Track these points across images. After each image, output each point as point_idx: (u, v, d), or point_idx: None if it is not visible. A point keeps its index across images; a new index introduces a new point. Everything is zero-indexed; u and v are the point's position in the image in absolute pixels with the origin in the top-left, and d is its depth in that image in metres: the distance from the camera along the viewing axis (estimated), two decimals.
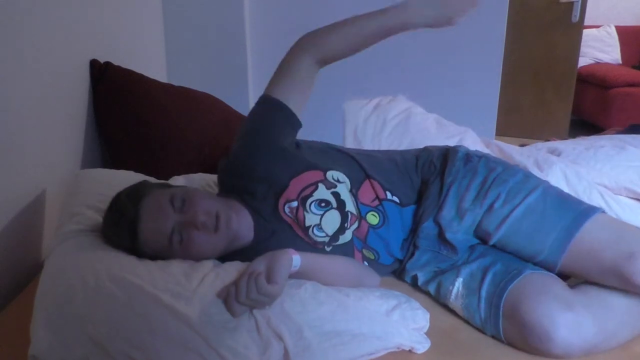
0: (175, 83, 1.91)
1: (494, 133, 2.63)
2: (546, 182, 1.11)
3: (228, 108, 1.88)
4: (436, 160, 1.17)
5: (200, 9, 2.40)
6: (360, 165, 1.13)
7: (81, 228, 1.03)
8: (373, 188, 1.11)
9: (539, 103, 3.98)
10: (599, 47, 4.46)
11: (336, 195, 1.06)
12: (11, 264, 1.20)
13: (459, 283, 1.03)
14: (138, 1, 2.12)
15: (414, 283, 1.13)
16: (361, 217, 1.08)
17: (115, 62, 1.70)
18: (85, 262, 0.91)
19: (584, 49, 4.13)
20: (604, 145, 1.45)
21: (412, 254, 1.11)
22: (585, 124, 4.24)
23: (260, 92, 1.18)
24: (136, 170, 1.36)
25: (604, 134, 1.91)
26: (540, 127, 3.95)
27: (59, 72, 1.45)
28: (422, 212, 1.11)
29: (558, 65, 3.86)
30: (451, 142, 1.48)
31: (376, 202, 1.10)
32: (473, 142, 1.52)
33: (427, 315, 0.98)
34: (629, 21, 4.66)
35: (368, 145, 1.56)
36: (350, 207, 1.07)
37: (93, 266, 0.89)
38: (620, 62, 4.47)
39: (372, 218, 1.09)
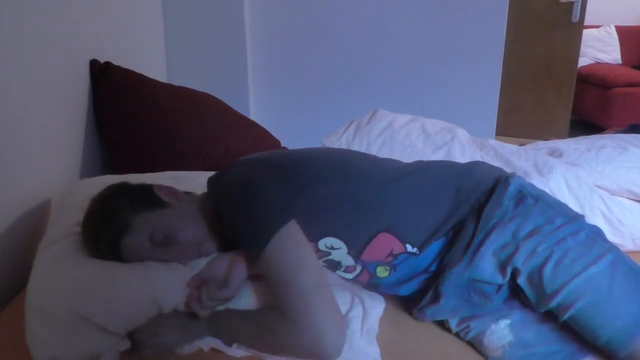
0: (175, 83, 1.91)
1: (494, 133, 2.63)
2: (615, 249, 0.90)
3: (228, 108, 1.88)
4: (482, 196, 0.95)
5: (200, 9, 2.40)
6: (379, 211, 0.94)
7: (69, 230, 1.02)
8: (387, 242, 0.94)
9: (539, 103, 3.98)
10: (599, 47, 4.46)
11: (328, 261, 0.97)
12: (12, 265, 1.20)
13: (504, 324, 0.92)
14: (138, 1, 2.11)
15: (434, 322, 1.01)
16: (365, 269, 0.98)
17: (115, 62, 1.70)
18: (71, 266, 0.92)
19: (584, 49, 4.12)
20: (606, 145, 1.45)
21: (435, 300, 0.96)
22: (585, 124, 4.24)
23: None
24: (136, 171, 1.36)
25: (604, 134, 1.91)
26: (540, 127, 3.95)
27: (59, 72, 1.44)
28: (451, 256, 0.94)
29: (558, 65, 3.85)
30: (439, 155, 1.45)
31: (390, 258, 0.96)
32: (462, 147, 1.48)
33: (382, 307, 0.97)
34: (629, 21, 4.65)
35: None
36: (346, 263, 0.97)
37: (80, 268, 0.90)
38: (620, 62, 4.47)
39: (382, 271, 0.98)
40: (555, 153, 1.50)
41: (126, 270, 0.90)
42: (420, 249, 0.95)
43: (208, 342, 0.90)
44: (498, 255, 0.90)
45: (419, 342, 0.96)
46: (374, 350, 0.90)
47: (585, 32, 4.03)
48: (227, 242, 0.94)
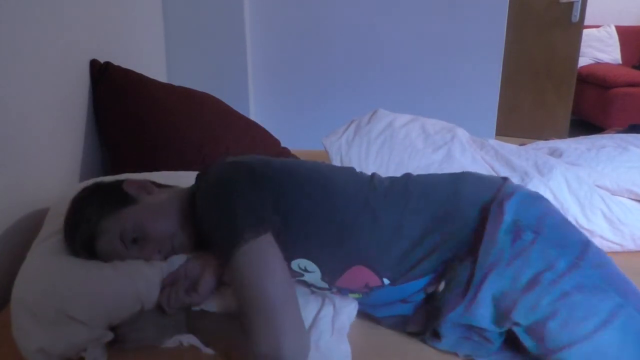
0: (175, 83, 1.91)
1: (494, 133, 2.63)
2: (626, 304, 0.80)
3: (228, 108, 1.87)
4: (471, 232, 0.87)
5: (200, 9, 2.40)
6: (356, 244, 0.90)
7: (58, 229, 1.02)
8: (364, 275, 0.91)
9: (539, 103, 3.98)
10: (599, 47, 4.46)
11: (301, 282, 0.95)
12: (11, 265, 1.20)
13: None
14: (138, 1, 2.11)
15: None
16: (338, 291, 0.96)
17: (115, 62, 1.70)
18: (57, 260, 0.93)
19: (584, 49, 4.13)
20: (606, 145, 1.44)
21: (436, 337, 0.92)
22: (585, 124, 4.24)
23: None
24: (136, 171, 1.35)
25: (604, 134, 1.91)
26: (540, 127, 3.95)
27: (59, 72, 1.44)
28: (446, 301, 0.88)
29: (558, 65, 3.86)
30: (439, 155, 1.45)
31: (365, 290, 0.93)
32: (462, 147, 1.48)
33: (354, 307, 0.97)
34: (629, 21, 4.66)
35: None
36: (320, 286, 0.95)
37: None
38: (620, 62, 4.48)
39: (355, 295, 0.97)
40: (555, 153, 1.50)
41: (108, 268, 0.91)
42: (396, 282, 0.90)
43: (188, 339, 0.92)
44: (497, 303, 0.84)
45: (391, 338, 0.96)
46: (345, 349, 0.89)
47: (585, 32, 4.03)
48: (201, 237, 0.94)
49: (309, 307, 0.95)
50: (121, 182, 0.98)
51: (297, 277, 0.93)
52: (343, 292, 0.96)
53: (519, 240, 0.84)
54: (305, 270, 0.92)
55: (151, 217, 0.93)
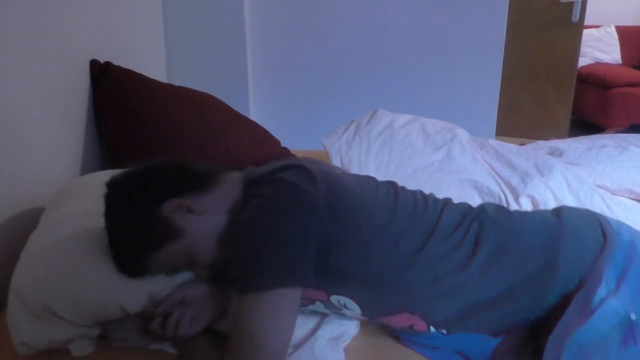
0: (175, 83, 1.91)
1: (494, 133, 2.63)
2: None
3: (228, 108, 1.87)
4: (555, 297, 0.79)
5: (200, 9, 2.40)
6: (408, 297, 0.84)
7: (56, 222, 1.02)
8: (410, 320, 0.87)
9: (539, 103, 3.98)
10: (599, 47, 4.46)
11: (338, 313, 0.93)
12: (10, 264, 1.20)
13: None
14: (138, 1, 2.11)
15: None
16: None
17: (115, 62, 1.70)
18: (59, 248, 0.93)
19: (584, 49, 4.13)
20: (606, 145, 1.45)
21: None
22: (585, 124, 4.24)
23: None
24: None
25: (604, 134, 1.91)
26: (540, 127, 3.95)
27: (59, 72, 1.44)
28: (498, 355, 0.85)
29: (558, 65, 3.85)
30: (439, 155, 1.45)
31: (408, 330, 0.90)
32: (462, 147, 1.48)
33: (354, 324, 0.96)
34: (629, 21, 4.65)
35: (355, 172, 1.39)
36: (356, 317, 0.94)
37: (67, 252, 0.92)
38: (620, 62, 4.47)
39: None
40: (555, 153, 1.50)
41: (98, 274, 0.89)
42: (449, 333, 0.87)
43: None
44: None
45: (389, 352, 0.94)
46: (339, 357, 0.89)
47: (585, 32, 4.03)
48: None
49: (309, 321, 0.95)
50: (155, 209, 0.84)
51: (334, 309, 0.91)
52: (384, 325, 0.94)
53: (633, 345, 0.74)
54: (345, 306, 0.88)
55: (201, 250, 0.86)
